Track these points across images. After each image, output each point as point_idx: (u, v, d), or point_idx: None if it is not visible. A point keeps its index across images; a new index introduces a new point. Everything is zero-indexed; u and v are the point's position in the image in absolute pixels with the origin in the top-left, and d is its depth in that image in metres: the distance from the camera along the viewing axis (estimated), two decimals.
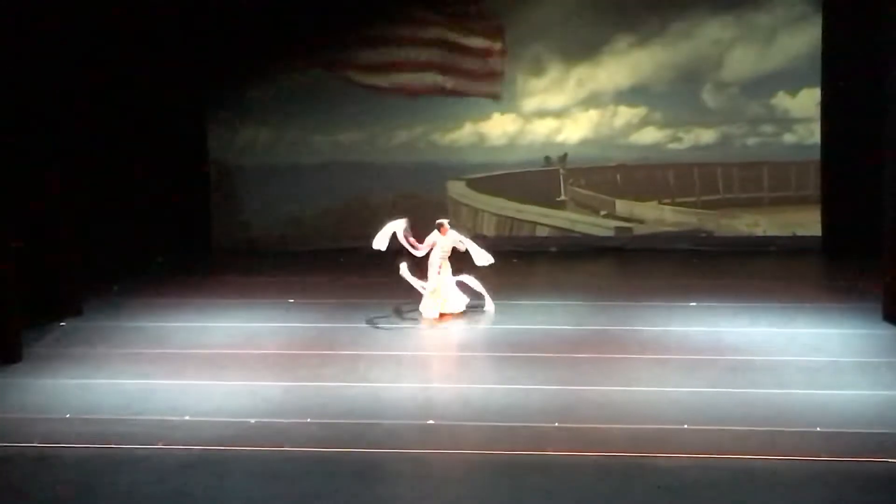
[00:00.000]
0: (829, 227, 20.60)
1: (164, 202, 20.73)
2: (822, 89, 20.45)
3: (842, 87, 19.84)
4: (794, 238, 21.02)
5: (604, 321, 16.27)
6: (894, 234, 14.96)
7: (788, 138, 21.08)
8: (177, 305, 17.44)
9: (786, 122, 21.02)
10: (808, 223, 20.91)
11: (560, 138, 21.57)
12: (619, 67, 21.25)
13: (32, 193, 15.87)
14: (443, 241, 16.40)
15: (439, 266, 16.37)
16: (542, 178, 21.69)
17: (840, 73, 19.97)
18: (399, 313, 16.60)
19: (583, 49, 21.28)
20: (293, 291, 18.04)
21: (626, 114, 21.35)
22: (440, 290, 16.40)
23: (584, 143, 21.52)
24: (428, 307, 16.37)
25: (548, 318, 16.55)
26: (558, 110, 21.50)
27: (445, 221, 16.59)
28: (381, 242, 16.24)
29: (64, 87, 16.55)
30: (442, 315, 16.40)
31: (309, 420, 12.40)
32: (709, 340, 15.21)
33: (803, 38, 20.64)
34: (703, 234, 21.37)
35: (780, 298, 17.19)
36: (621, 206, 21.67)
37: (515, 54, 21.35)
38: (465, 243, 16.60)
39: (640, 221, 21.62)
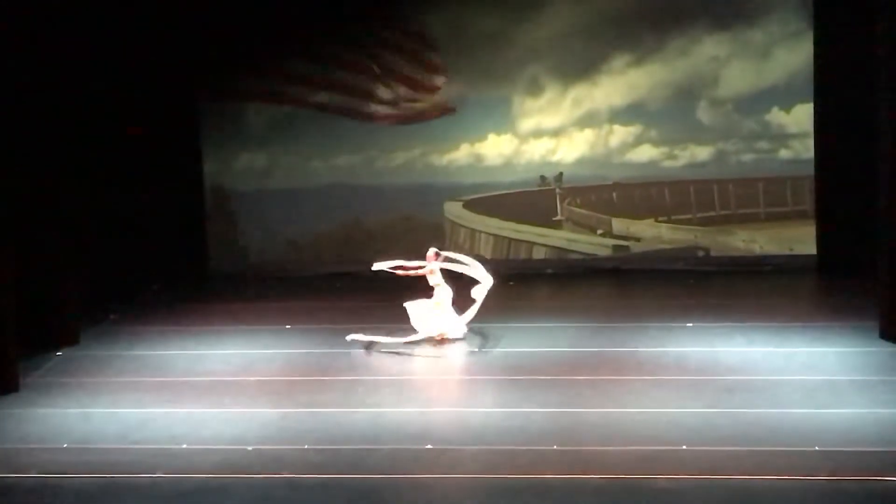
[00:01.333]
0: (824, 246, 20.60)
1: (160, 229, 20.72)
2: (815, 105, 20.51)
3: (835, 103, 19.92)
4: (790, 257, 21.01)
5: (601, 343, 16.28)
6: (890, 252, 14.98)
7: (784, 154, 21.12)
8: (174, 333, 17.43)
9: (781, 137, 21.07)
10: (804, 238, 20.93)
11: (556, 158, 21.62)
12: (615, 86, 21.31)
13: (28, 223, 15.89)
14: (434, 268, 16.44)
15: (435, 292, 16.39)
16: (538, 197, 21.73)
17: (833, 88, 20.03)
18: (396, 338, 16.58)
19: (579, 69, 21.36)
20: (290, 317, 18.03)
21: (621, 132, 21.41)
22: (435, 314, 16.39)
23: (580, 162, 21.57)
24: (422, 327, 16.40)
25: (545, 340, 16.54)
26: (554, 130, 21.56)
27: (433, 250, 16.62)
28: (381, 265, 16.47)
29: (55, 113, 16.54)
30: (439, 340, 16.39)
31: (307, 446, 12.39)
32: (706, 361, 15.21)
33: (798, 54, 20.69)
34: (701, 252, 21.40)
35: (776, 318, 17.20)
36: (618, 225, 21.71)
37: (512, 76, 21.43)
38: (459, 262, 16.60)
39: (637, 239, 21.66)
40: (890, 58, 15.11)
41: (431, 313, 16.38)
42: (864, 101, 17.25)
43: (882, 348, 15.14)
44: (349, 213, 21.87)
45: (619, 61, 21.26)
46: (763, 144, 21.14)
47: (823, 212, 20.61)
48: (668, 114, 21.24)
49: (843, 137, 19.77)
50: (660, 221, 21.58)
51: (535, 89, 21.47)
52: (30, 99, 15.86)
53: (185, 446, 12.41)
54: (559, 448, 12.08)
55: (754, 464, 11.39)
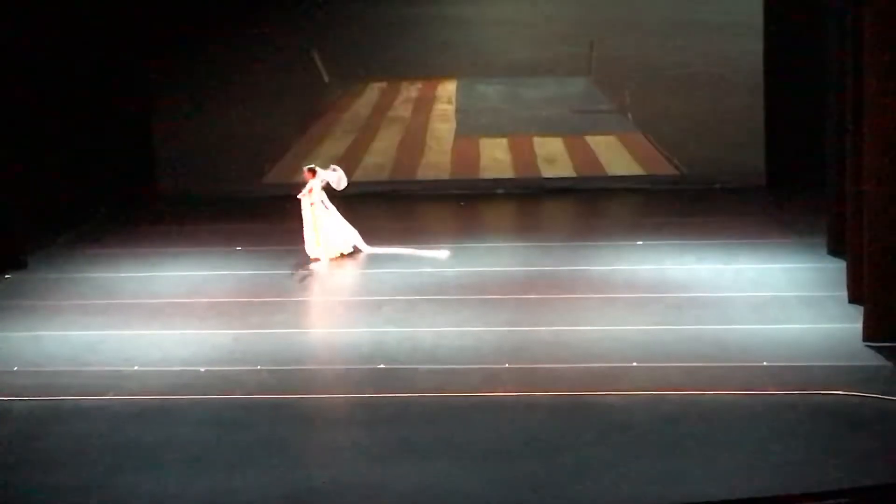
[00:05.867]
0: (773, 163, 20.68)
1: (107, 150, 20.46)
2: (766, 38, 20.51)
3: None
4: (739, 175, 20.96)
5: (552, 262, 16.34)
6: (837, 169, 15.08)
7: None
8: (122, 256, 17.32)
9: None
10: None
11: None
12: None
13: None
14: (314, 184, 16.59)
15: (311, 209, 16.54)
16: None
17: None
18: (346, 259, 16.57)
19: None
20: (240, 239, 17.95)
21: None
22: (321, 233, 16.51)
23: None
24: (313, 249, 16.50)
25: (496, 259, 16.59)
26: None
27: (311, 165, 16.86)
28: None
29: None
30: (332, 258, 16.51)
31: (259, 367, 12.41)
32: (656, 278, 15.32)
33: None
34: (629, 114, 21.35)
35: (725, 235, 17.33)
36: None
37: None
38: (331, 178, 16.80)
39: None
40: None
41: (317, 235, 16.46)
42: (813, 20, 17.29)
43: (829, 264, 15.28)
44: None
45: None
46: None
47: (772, 131, 20.68)
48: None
49: (791, 56, 19.83)
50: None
51: None
52: None
53: (136, 368, 12.38)
54: (511, 366, 12.16)
55: (703, 379, 11.52)
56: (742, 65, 20.77)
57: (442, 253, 16.73)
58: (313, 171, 16.69)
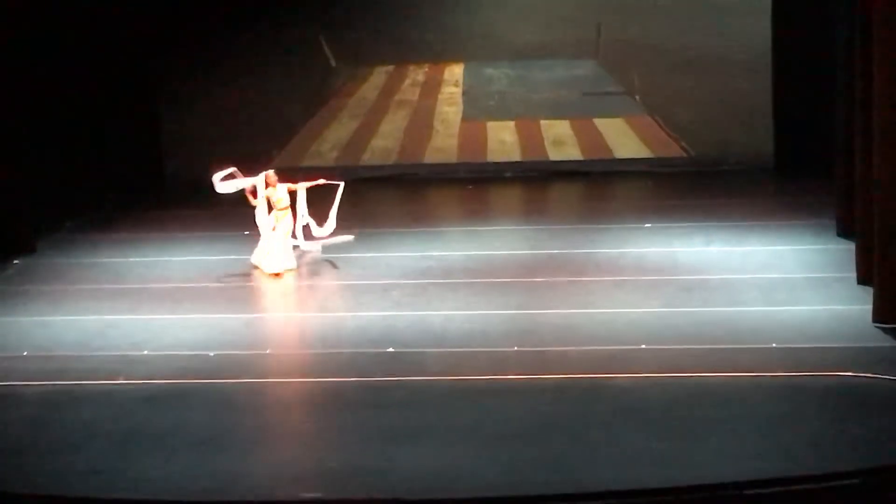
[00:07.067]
0: (781, 144, 20.63)
1: (112, 135, 20.45)
2: (774, 18, 20.43)
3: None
4: (748, 157, 20.94)
5: (560, 245, 16.32)
6: (845, 150, 15.04)
7: None
8: (131, 240, 17.34)
9: None
10: None
11: None
12: None
13: None
14: (273, 194, 15.70)
15: (273, 220, 15.66)
16: None
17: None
18: (353, 243, 16.56)
19: None
20: (248, 223, 17.91)
21: None
22: (271, 245, 15.56)
23: None
24: (259, 259, 15.65)
25: (504, 243, 16.58)
26: None
27: (271, 172, 15.86)
28: (224, 187, 15.74)
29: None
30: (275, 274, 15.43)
31: (269, 351, 12.42)
32: (664, 261, 15.30)
33: None
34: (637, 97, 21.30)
35: (734, 217, 17.30)
36: None
37: None
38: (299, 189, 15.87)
39: None
40: None
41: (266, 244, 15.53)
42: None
43: (839, 245, 15.25)
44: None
45: None
46: None
47: (780, 113, 20.62)
48: None
49: (799, 35, 19.76)
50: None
51: None
52: None
53: (146, 352, 12.40)
54: (519, 349, 12.16)
55: (712, 361, 11.51)
56: (750, 46, 20.69)
57: (347, 237, 16.19)
58: (270, 179, 15.73)
